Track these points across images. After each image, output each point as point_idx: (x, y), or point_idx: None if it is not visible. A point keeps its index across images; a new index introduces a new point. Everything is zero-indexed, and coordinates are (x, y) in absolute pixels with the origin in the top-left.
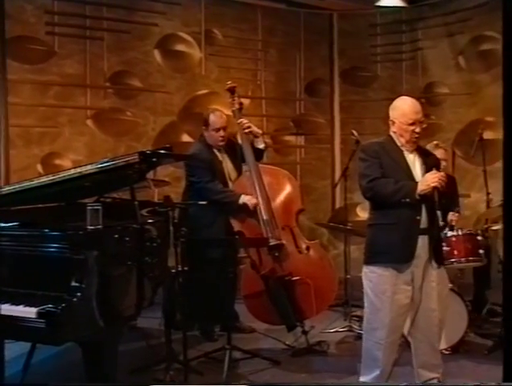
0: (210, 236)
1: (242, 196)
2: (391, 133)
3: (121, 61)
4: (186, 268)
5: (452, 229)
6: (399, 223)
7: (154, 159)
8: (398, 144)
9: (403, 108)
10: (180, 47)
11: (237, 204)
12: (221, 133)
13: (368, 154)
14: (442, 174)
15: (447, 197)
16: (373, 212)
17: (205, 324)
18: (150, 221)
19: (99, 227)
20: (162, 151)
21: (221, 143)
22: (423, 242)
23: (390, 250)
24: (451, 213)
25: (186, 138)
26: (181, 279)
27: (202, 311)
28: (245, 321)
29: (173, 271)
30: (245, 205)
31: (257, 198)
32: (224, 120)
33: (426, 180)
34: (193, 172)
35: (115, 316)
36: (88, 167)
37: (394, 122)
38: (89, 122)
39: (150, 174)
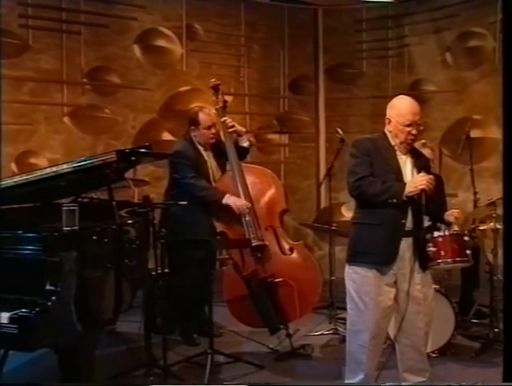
0: (192, 237)
1: (227, 196)
2: (386, 131)
3: (99, 56)
4: (166, 271)
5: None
6: (383, 225)
7: (132, 158)
8: (392, 143)
9: (401, 107)
10: (161, 43)
11: (220, 203)
12: (213, 130)
13: (359, 151)
14: (431, 177)
15: (434, 201)
16: (359, 211)
17: (186, 328)
18: (128, 222)
19: (75, 228)
20: (141, 150)
21: (213, 140)
22: (407, 244)
23: (373, 251)
24: (452, 210)
25: (167, 136)
26: (161, 281)
27: (183, 314)
28: (227, 324)
29: (153, 273)
30: (228, 206)
31: (240, 197)
32: (213, 117)
33: (414, 182)
34: (177, 169)
35: (92, 320)
36: (65, 166)
37: (390, 121)
38: (66, 119)
39: (129, 174)
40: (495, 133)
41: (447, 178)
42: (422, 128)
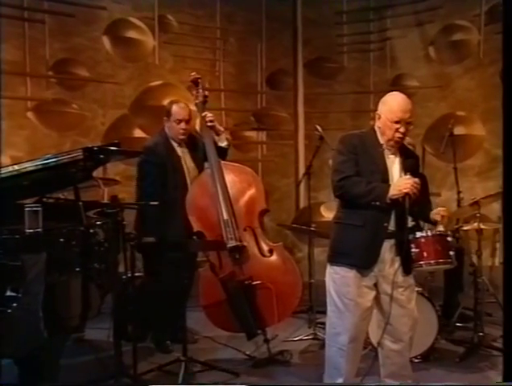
0: (166, 238)
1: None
2: (376, 128)
3: (65, 48)
4: (137, 274)
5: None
6: (365, 227)
7: (101, 156)
8: (381, 141)
9: (392, 104)
10: (131, 34)
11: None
12: (183, 125)
13: (346, 148)
14: (416, 180)
15: (419, 203)
16: (342, 210)
17: (159, 334)
18: (97, 223)
19: (38, 230)
20: (109, 147)
21: (182, 137)
22: (388, 246)
23: (353, 253)
24: (438, 208)
25: (139, 133)
26: (132, 286)
27: (156, 320)
28: (202, 330)
29: (123, 277)
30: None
31: (218, 196)
32: (187, 112)
33: (398, 185)
34: (141, 167)
35: (58, 327)
36: (28, 164)
37: (380, 116)
38: (30, 115)
39: (99, 173)
40: (479, 130)
41: (430, 176)
42: (411, 127)
